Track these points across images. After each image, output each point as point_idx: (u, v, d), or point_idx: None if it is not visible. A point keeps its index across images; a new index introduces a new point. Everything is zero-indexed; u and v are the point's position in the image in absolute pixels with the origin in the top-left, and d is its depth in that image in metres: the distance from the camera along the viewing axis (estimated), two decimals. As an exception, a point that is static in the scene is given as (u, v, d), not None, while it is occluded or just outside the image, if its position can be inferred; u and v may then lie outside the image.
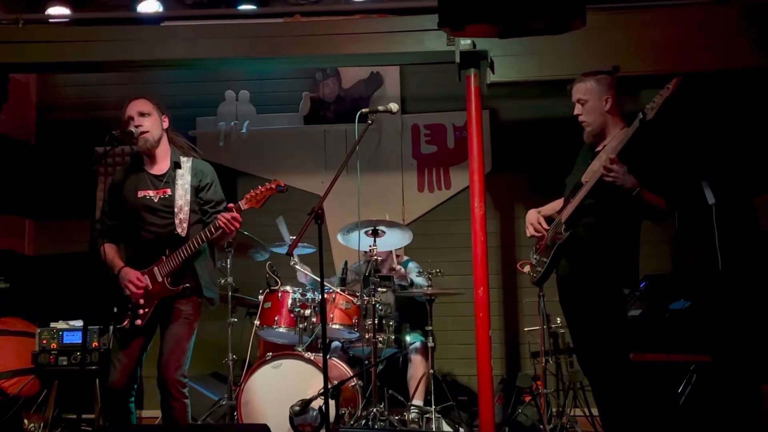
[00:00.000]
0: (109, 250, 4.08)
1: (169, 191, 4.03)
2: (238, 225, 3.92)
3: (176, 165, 4.07)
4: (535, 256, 4.10)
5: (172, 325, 3.98)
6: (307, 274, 5.28)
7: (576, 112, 3.84)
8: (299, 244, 4.88)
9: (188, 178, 4.06)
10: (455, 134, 6.54)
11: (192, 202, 4.04)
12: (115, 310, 3.98)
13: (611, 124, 3.85)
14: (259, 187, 3.95)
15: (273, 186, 3.93)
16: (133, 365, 3.97)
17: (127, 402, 3.96)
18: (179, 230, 3.95)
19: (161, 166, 4.10)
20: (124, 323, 3.96)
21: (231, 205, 3.93)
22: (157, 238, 3.99)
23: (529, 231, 4.04)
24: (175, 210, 3.98)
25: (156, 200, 4.02)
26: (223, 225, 3.87)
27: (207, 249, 4.12)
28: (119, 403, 3.93)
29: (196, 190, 4.08)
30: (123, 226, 4.08)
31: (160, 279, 3.95)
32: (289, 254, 3.76)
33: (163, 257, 3.96)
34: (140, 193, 4.04)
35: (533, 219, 4.02)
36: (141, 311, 3.97)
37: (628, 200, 3.63)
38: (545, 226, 3.98)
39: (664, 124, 3.64)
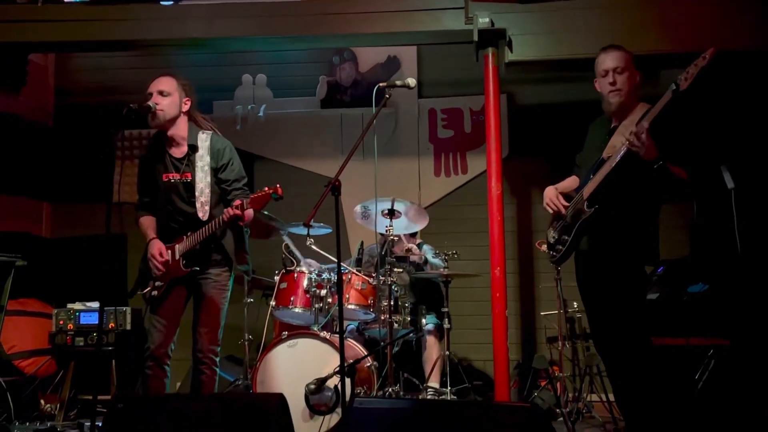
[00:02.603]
0: (144, 221, 4.13)
1: (190, 175, 4.02)
2: (242, 223, 3.96)
3: (193, 148, 4.04)
4: (553, 235, 4.00)
5: (205, 294, 4.01)
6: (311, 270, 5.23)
7: (609, 80, 3.72)
8: (315, 224, 4.88)
9: (207, 159, 4.03)
10: (472, 118, 6.53)
11: (212, 183, 4.03)
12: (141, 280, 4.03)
13: (634, 100, 3.75)
14: (259, 190, 3.92)
15: (268, 192, 3.84)
16: (171, 328, 4.00)
17: (164, 365, 3.97)
18: (201, 214, 3.96)
19: (182, 149, 4.08)
20: (146, 290, 4.02)
21: (238, 202, 3.89)
22: (183, 219, 4.02)
23: (550, 207, 3.93)
24: (196, 194, 3.98)
25: (180, 185, 4.03)
26: (227, 220, 3.90)
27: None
28: (157, 367, 3.95)
29: (215, 171, 4.06)
30: (154, 203, 4.10)
31: (177, 257, 3.98)
32: (307, 225, 3.68)
33: (184, 237, 3.99)
34: (166, 177, 4.04)
35: (552, 195, 3.93)
36: (157, 284, 4.02)
37: (650, 174, 3.53)
38: (564, 202, 3.88)
39: (694, 99, 3.54)
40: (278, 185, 3.85)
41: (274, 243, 5.49)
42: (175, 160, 4.05)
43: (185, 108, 4.08)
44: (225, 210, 3.92)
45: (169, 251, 4.00)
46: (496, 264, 4.95)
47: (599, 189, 3.68)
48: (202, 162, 4.02)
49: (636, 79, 3.74)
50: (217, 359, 4.01)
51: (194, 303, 4.06)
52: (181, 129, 4.06)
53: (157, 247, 3.99)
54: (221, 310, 4.04)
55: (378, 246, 5.18)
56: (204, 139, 4.07)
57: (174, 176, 4.03)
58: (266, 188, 3.85)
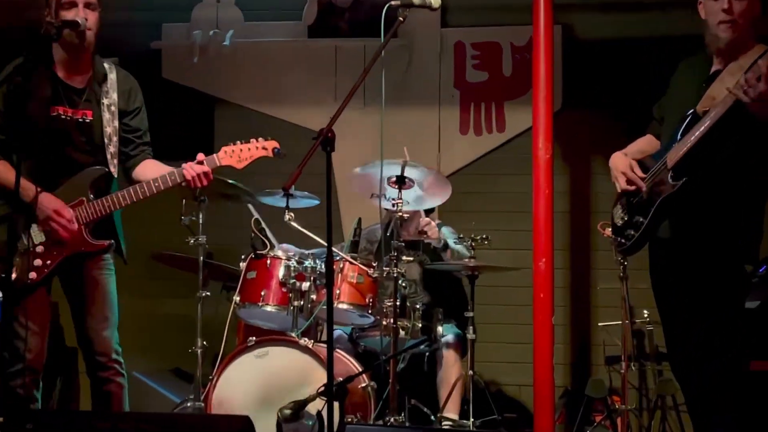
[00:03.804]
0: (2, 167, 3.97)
1: (91, 114, 4.04)
2: (207, 183, 4.02)
3: (101, 77, 4.07)
4: (621, 215, 3.99)
5: (94, 277, 4.05)
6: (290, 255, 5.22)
7: (723, 5, 3.69)
8: (297, 192, 4.85)
9: (114, 97, 4.09)
10: (514, 57, 6.48)
11: (120, 130, 4.10)
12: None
13: (751, 37, 3.72)
14: (248, 143, 4.05)
15: (268, 147, 4.02)
16: (44, 331, 4.03)
17: (35, 389, 4.00)
18: (111, 168, 4.02)
19: (84, 76, 4.06)
20: (13, 275, 3.82)
21: (202, 156, 3.99)
22: (71, 173, 4.00)
23: (621, 183, 3.91)
24: (105, 141, 4.02)
25: (74, 125, 4.02)
26: (189, 180, 3.96)
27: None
28: (33, 385, 3.97)
29: (122, 115, 4.12)
30: (23, 147, 3.93)
31: (76, 226, 3.95)
32: (286, 191, 3.67)
33: (84, 199, 3.97)
34: (54, 110, 4.00)
35: (624, 165, 3.90)
36: (40, 261, 3.93)
37: (764, 139, 3.50)
38: (640, 173, 3.86)
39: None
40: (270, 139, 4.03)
41: (238, 217, 5.48)
42: (71, 91, 4.03)
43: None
44: (186, 166, 3.97)
45: None
46: (540, 255, 4.93)
47: (689, 155, 3.66)
48: (109, 100, 4.06)
49: (757, 10, 3.69)
50: (123, 362, 4.08)
51: (75, 292, 4.08)
52: (89, 50, 4.06)
53: (55, 203, 3.90)
54: (116, 298, 4.11)
55: (382, 226, 5.16)
56: (109, 69, 4.11)
57: (66, 111, 4.01)
58: (259, 139, 3.98)
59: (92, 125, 4.02)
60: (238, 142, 4.06)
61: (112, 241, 4.04)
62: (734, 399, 3.65)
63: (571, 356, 6.27)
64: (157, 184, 3.97)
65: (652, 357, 5.45)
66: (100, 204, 3.97)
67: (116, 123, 4.06)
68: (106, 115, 4.03)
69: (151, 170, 4.11)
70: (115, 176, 4.05)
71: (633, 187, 3.89)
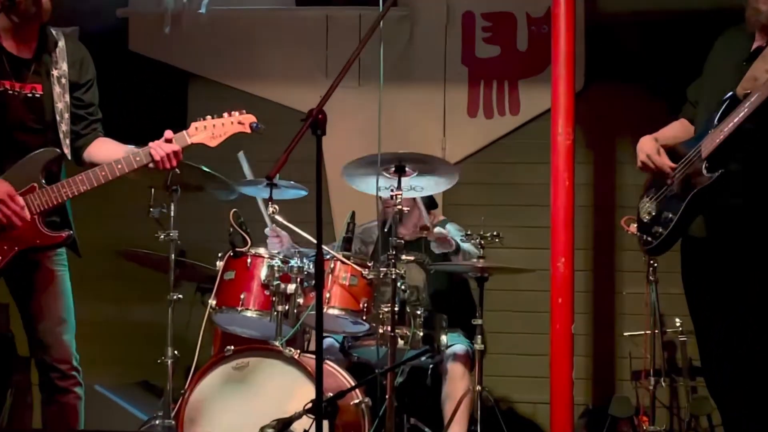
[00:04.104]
0: None
1: (41, 88, 4.01)
2: (176, 163, 4.01)
3: (50, 46, 4.04)
4: (648, 209, 3.99)
5: (47, 279, 4.02)
6: (282, 240, 5.24)
7: None
8: (282, 182, 4.83)
9: (64, 68, 4.06)
10: (530, 30, 6.52)
11: (71, 105, 4.08)
12: None
13: None
14: (222, 118, 4.04)
15: (244, 122, 4.02)
16: None
17: None
18: (64, 149, 4.00)
19: (29, 46, 4.02)
20: None
21: (170, 133, 3.98)
22: (18, 155, 3.94)
23: (647, 166, 3.91)
24: (57, 118, 4.00)
25: (23, 99, 3.97)
26: (158, 160, 3.94)
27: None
28: None
29: (74, 87, 4.10)
30: None
31: (28, 216, 3.91)
32: (270, 179, 3.64)
33: (36, 186, 3.92)
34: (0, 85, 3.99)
35: (651, 149, 3.92)
36: None
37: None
38: (669, 162, 3.86)
39: None
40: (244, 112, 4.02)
41: (215, 209, 5.46)
42: (16, 61, 3.99)
43: None
44: (152, 145, 3.95)
45: None
46: (559, 254, 4.94)
47: (727, 144, 3.67)
48: (59, 71, 4.04)
49: None
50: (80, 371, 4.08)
51: (26, 292, 4.05)
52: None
53: (4, 186, 3.86)
54: (71, 299, 4.10)
55: (378, 221, 5.18)
56: (57, 37, 4.09)
57: (13, 86, 3.97)
58: (233, 113, 3.97)
59: (42, 100, 3.98)
60: (209, 117, 4.03)
61: (71, 232, 4.01)
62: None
63: (593, 370, 6.28)
64: (120, 166, 3.93)
65: (685, 372, 5.45)
66: (55, 191, 3.92)
67: (67, 97, 4.04)
68: (57, 89, 4.01)
69: (106, 150, 4.09)
70: (69, 158, 4.02)
71: (652, 167, 3.88)
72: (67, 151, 4.00)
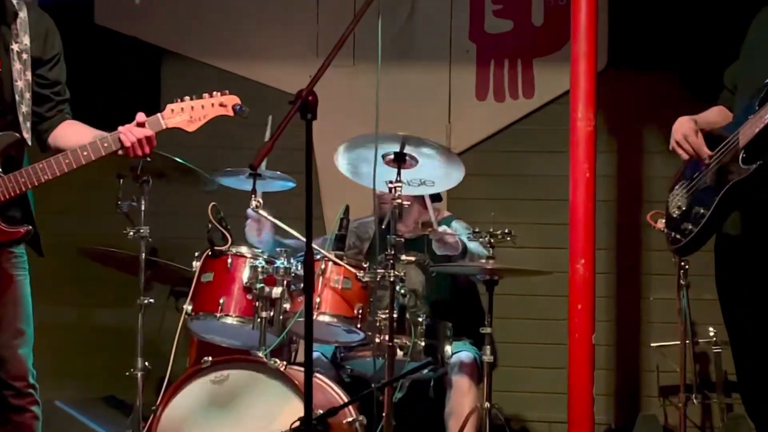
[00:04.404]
0: None
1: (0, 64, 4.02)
2: (149, 150, 3.99)
3: (11, 16, 4.03)
4: (678, 202, 3.99)
5: (4, 282, 4.00)
6: (262, 227, 5.24)
7: None
8: (267, 171, 4.83)
9: (26, 41, 4.04)
10: (547, 2, 6.53)
11: (33, 84, 4.06)
12: None
13: None
14: (201, 99, 4.03)
15: (227, 104, 4.00)
16: None
17: None
18: (24, 133, 3.97)
19: None
20: None
21: (142, 116, 3.96)
22: None
23: (681, 148, 3.91)
24: (17, 98, 3.98)
25: None
26: (128, 146, 3.92)
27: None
28: None
29: (38, 64, 4.08)
30: None
31: None
32: (254, 169, 3.64)
33: None
34: None
35: (689, 129, 3.91)
36: None
37: None
38: (706, 150, 3.85)
39: None
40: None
41: (191, 203, 5.49)
42: None
43: None
44: (122, 130, 3.92)
45: None
46: (578, 255, 4.93)
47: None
48: (20, 45, 4.02)
49: None
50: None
51: None
52: None
53: None
54: (31, 306, 4.08)
55: (376, 217, 5.19)
56: (18, 7, 4.07)
57: None
58: (215, 94, 3.96)
59: (1, 78, 3.99)
60: (188, 98, 4.02)
61: (30, 227, 4.00)
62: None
63: (616, 385, 6.30)
64: (86, 153, 3.92)
65: (719, 387, 5.47)
66: (14, 180, 3.91)
67: (29, 75, 4.02)
68: (17, 65, 3.99)
69: (74, 135, 4.07)
70: (29, 143, 4.00)
71: (687, 155, 3.89)
72: (27, 135, 3.97)
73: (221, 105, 4.03)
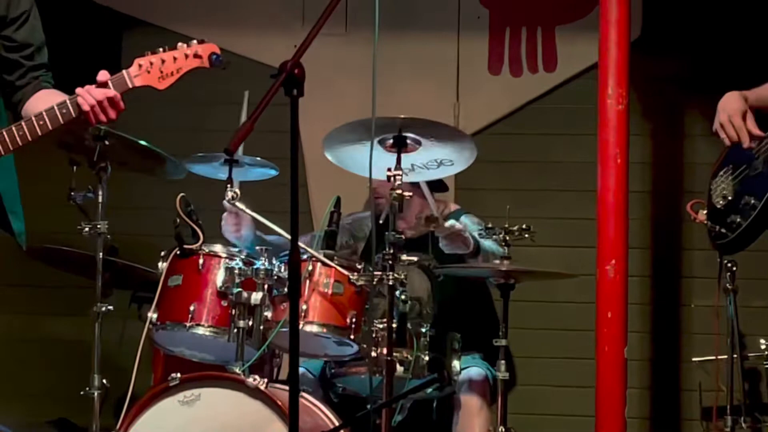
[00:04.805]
0: None
1: None
2: (114, 114, 3.98)
3: None
4: (722, 191, 4.00)
5: None
6: (239, 222, 5.27)
7: None
8: (245, 157, 4.85)
9: None
10: None
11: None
12: None
13: None
14: (174, 50, 4.01)
15: (202, 54, 3.98)
16: None
17: None
18: None
19: None
20: None
21: (105, 74, 3.95)
22: None
23: (725, 131, 3.90)
24: None
25: None
26: (88, 110, 3.91)
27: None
28: None
29: (2, 24, 4.12)
30: None
31: None
32: (230, 154, 3.67)
33: None
34: None
35: (735, 109, 3.93)
36: None
37: None
38: (755, 130, 3.87)
39: None
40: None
41: (155, 193, 5.51)
42: None
43: None
44: (80, 91, 3.91)
45: None
46: (608, 256, 4.97)
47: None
48: None
49: None
50: None
51: None
52: None
53: None
54: None
55: (372, 212, 5.21)
56: None
57: None
58: (191, 43, 3.97)
59: None
60: (160, 49, 3.98)
61: None
62: None
63: (652, 406, 6.32)
64: (42, 123, 3.91)
65: (771, 409, 5.48)
66: None
67: None
68: None
69: (45, 105, 4.03)
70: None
71: (734, 139, 3.90)
72: None
73: (196, 56, 3.99)
